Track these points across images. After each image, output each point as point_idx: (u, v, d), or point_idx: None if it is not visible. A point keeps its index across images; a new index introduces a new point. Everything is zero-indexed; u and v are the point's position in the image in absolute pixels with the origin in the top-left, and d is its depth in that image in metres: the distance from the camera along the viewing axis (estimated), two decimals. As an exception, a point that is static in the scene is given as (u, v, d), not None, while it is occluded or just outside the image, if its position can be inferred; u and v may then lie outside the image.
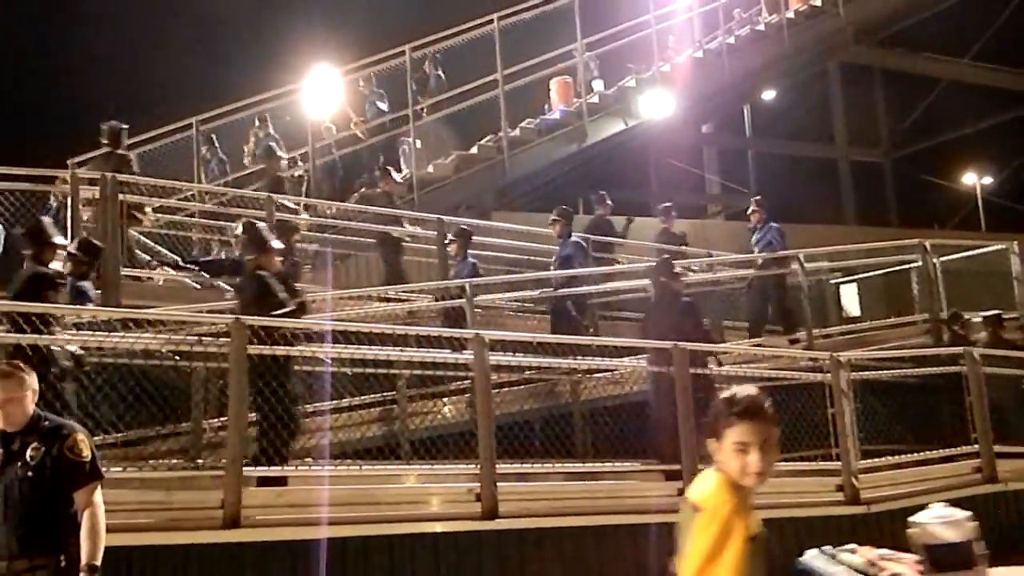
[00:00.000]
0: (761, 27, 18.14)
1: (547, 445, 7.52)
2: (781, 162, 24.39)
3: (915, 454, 8.51)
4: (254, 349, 6.11)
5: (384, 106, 14.25)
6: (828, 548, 3.83)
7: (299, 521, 5.95)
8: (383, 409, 8.18)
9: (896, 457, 8.43)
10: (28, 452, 3.94)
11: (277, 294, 6.92)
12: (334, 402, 7.46)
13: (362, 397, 8.09)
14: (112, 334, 6.31)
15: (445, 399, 8.37)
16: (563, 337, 8.06)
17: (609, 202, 12.74)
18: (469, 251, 10.06)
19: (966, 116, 24.87)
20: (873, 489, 8.03)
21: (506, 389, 7.78)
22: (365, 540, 6.10)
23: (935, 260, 11.43)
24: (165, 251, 10.15)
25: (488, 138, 14.71)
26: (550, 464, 7.17)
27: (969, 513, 3.78)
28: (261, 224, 7.83)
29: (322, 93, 14.02)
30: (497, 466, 6.53)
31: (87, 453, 4.04)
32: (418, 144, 13.65)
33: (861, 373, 8.51)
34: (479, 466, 6.49)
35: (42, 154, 9.92)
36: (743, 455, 2.62)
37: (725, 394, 2.71)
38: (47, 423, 4.06)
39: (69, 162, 10.26)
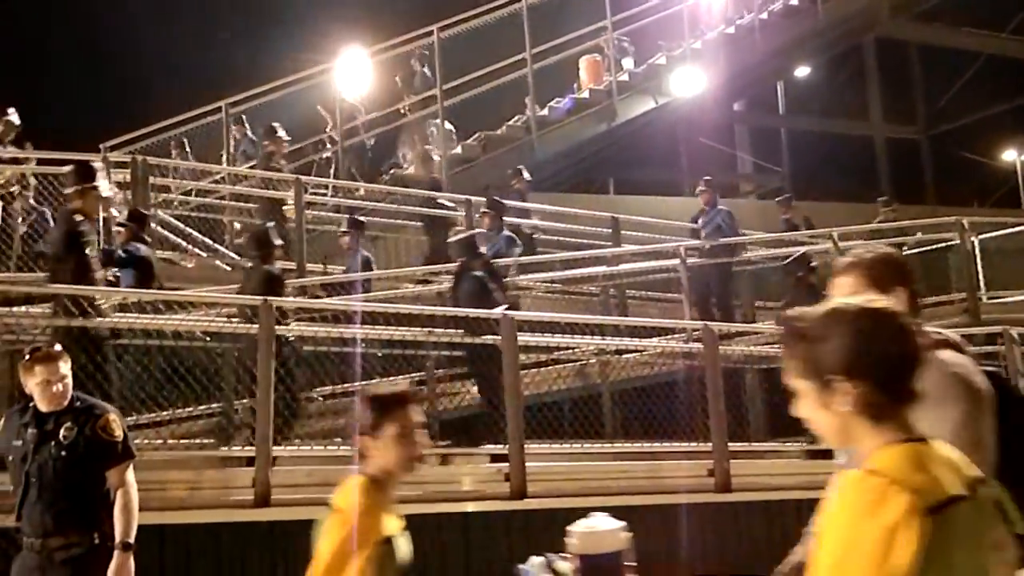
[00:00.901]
0: (794, 1, 17.83)
1: (576, 426, 7.51)
2: (815, 140, 24.01)
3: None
4: (282, 329, 6.15)
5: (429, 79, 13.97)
6: (550, 555, 3.86)
7: (328, 500, 5.98)
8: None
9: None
10: (61, 432, 4.00)
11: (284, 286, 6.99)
12: (363, 382, 7.48)
13: (391, 378, 8.11)
14: (141, 316, 6.37)
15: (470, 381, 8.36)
16: (592, 317, 8.02)
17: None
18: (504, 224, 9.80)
19: (1006, 91, 24.30)
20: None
21: (534, 370, 7.77)
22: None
23: (973, 238, 11.23)
24: (196, 233, 10.24)
25: (516, 118, 14.63)
26: (579, 444, 7.16)
27: (623, 524, 3.77)
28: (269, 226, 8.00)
29: (351, 74, 14.01)
30: (526, 446, 6.54)
31: (119, 433, 4.10)
32: (440, 125, 13.58)
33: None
34: (508, 446, 6.49)
35: (76, 138, 10.02)
36: (408, 440, 2.67)
37: (371, 392, 2.77)
38: (79, 403, 4.11)
39: (101, 146, 10.37)
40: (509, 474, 6.45)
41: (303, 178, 10.38)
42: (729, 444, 7.22)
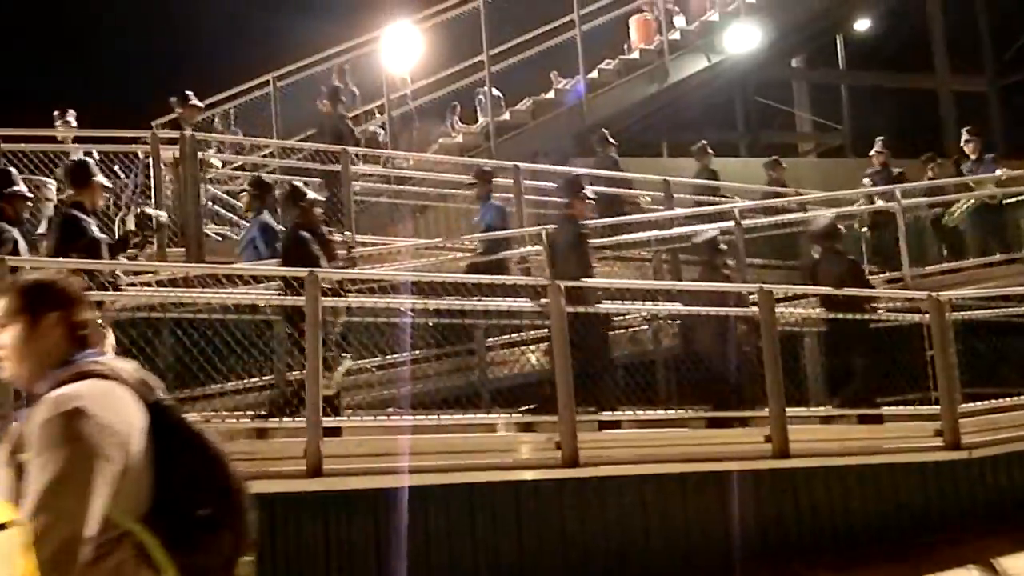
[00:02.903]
0: (853, -50, 17.19)
1: (629, 393, 7.40)
2: (877, 95, 23.20)
3: (1020, 397, 8.07)
4: (328, 301, 6.14)
5: None
6: None
7: (380, 470, 6.00)
8: (461, 359, 8.16)
9: (1000, 401, 8.01)
10: None
11: (314, 253, 6.90)
12: (413, 352, 7.46)
13: (440, 348, 8.09)
14: (191, 290, 6.41)
15: (524, 348, 8.30)
16: (640, 283, 7.87)
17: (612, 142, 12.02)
18: (492, 193, 9.50)
19: (1082, 36, 23.15)
20: (975, 434, 7.66)
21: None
22: (445, 488, 6.11)
23: (1045, 193, 10.74)
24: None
25: (564, 82, 14.40)
26: (631, 412, 7.05)
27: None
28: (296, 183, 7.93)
29: (398, 45, 13.93)
30: (577, 414, 6.45)
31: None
32: (487, 92, 13.41)
33: (963, 313, 8.09)
34: (558, 415, 6.42)
35: (124, 115, 10.14)
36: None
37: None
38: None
39: (153, 124, 10.48)
40: (560, 442, 6.38)
41: (350, 149, 10.34)
42: (787, 409, 7.04)
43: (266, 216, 8.12)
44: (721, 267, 8.13)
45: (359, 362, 7.24)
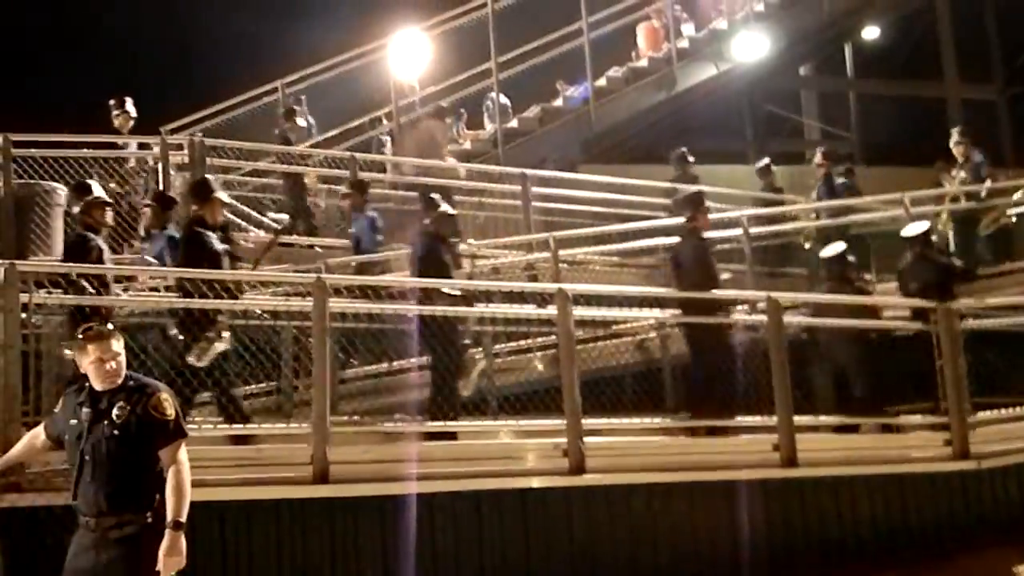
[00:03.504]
0: (862, -42, 17.17)
1: (636, 400, 7.37)
2: (886, 103, 23.14)
3: (1030, 407, 8.02)
4: (337, 307, 6.14)
5: None
6: None
7: (387, 476, 5.99)
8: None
9: (1010, 410, 7.96)
10: (114, 411, 4.01)
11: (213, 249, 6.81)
12: (420, 359, 7.45)
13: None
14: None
15: (531, 354, 8.29)
16: (648, 290, 7.85)
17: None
18: (368, 203, 9.33)
19: (1092, 46, 23.06)
20: (984, 444, 7.61)
21: (591, 345, 7.64)
22: (452, 495, 6.10)
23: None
24: (255, 213, 10.32)
25: (572, 89, 14.41)
26: (638, 420, 7.02)
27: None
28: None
29: (406, 52, 13.95)
30: (584, 421, 6.43)
31: (171, 411, 4.08)
32: (495, 98, 13.42)
33: (971, 322, 8.05)
34: (565, 421, 6.40)
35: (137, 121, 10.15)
36: None
37: None
38: (132, 382, 4.12)
39: (161, 129, 10.51)
40: (567, 449, 6.36)
41: (358, 155, 10.36)
42: (795, 418, 7.00)
43: (171, 230, 8.20)
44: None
45: (364, 368, 7.24)
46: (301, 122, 11.88)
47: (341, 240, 10.05)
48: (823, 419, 7.63)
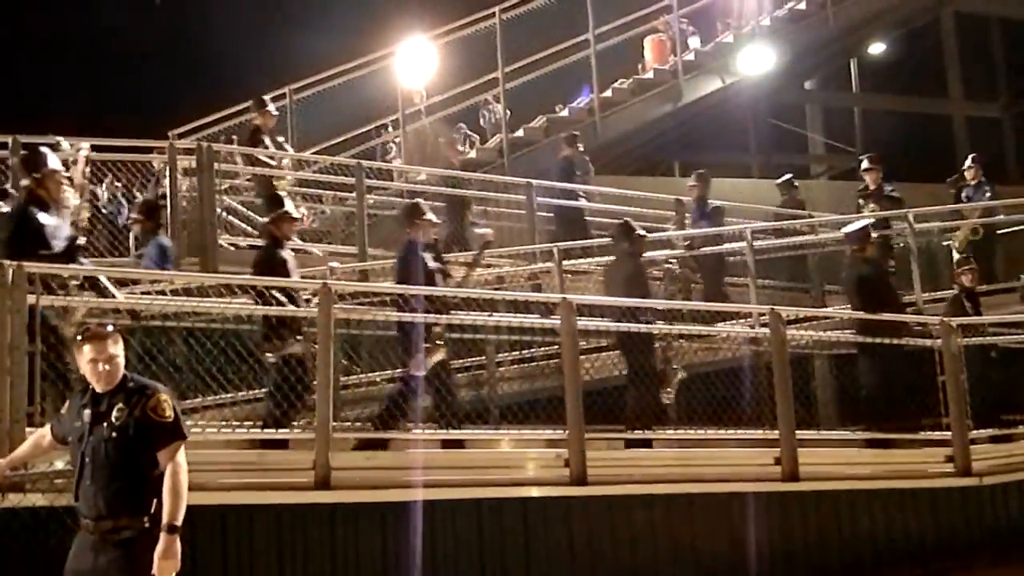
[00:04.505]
0: (869, -26, 17.22)
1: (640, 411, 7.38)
2: (890, 119, 23.16)
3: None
4: (342, 313, 6.16)
5: None
6: None
7: (388, 483, 6.00)
8: (471, 374, 8.16)
9: (1013, 428, 7.96)
10: (114, 413, 3.99)
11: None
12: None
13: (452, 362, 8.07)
14: (204, 300, 6.43)
15: (534, 364, 8.29)
16: (652, 301, 7.86)
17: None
18: (160, 227, 8.64)
19: (1094, 65, 23.09)
20: (986, 460, 7.61)
21: (594, 355, 7.65)
22: (453, 503, 6.10)
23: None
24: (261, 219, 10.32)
25: (579, 99, 14.46)
26: (641, 431, 7.03)
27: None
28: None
29: (413, 60, 14.01)
30: (586, 432, 6.44)
31: (170, 413, 4.05)
32: (501, 109, 13.46)
33: (975, 339, 8.06)
34: (567, 431, 6.40)
35: (138, 126, 10.20)
36: None
37: None
38: (132, 384, 4.10)
39: (170, 134, 10.55)
40: (569, 460, 6.36)
41: (364, 163, 10.38)
42: (797, 432, 7.01)
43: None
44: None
45: (370, 375, 7.25)
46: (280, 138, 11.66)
47: (348, 247, 10.08)
48: (825, 434, 7.64)
